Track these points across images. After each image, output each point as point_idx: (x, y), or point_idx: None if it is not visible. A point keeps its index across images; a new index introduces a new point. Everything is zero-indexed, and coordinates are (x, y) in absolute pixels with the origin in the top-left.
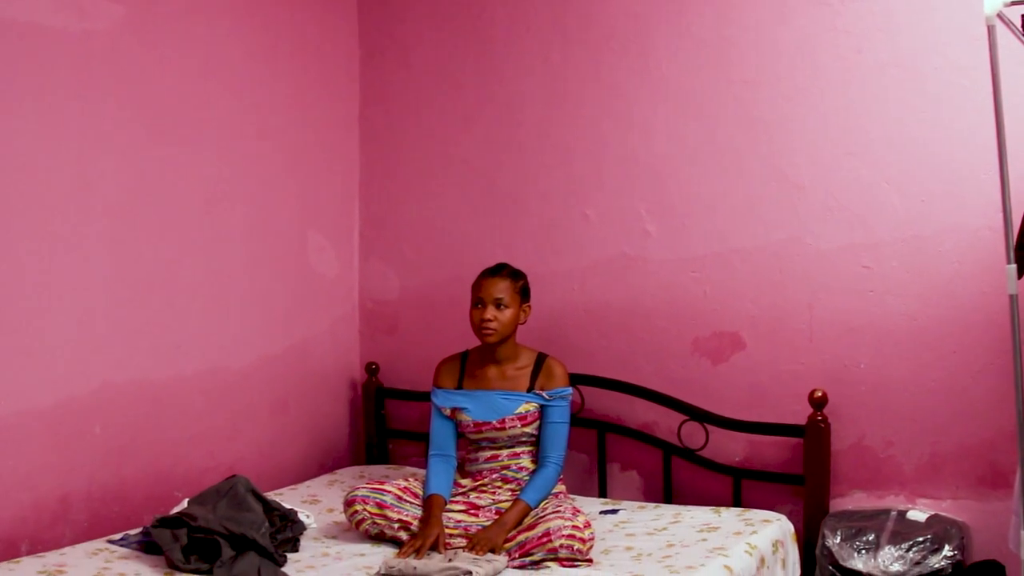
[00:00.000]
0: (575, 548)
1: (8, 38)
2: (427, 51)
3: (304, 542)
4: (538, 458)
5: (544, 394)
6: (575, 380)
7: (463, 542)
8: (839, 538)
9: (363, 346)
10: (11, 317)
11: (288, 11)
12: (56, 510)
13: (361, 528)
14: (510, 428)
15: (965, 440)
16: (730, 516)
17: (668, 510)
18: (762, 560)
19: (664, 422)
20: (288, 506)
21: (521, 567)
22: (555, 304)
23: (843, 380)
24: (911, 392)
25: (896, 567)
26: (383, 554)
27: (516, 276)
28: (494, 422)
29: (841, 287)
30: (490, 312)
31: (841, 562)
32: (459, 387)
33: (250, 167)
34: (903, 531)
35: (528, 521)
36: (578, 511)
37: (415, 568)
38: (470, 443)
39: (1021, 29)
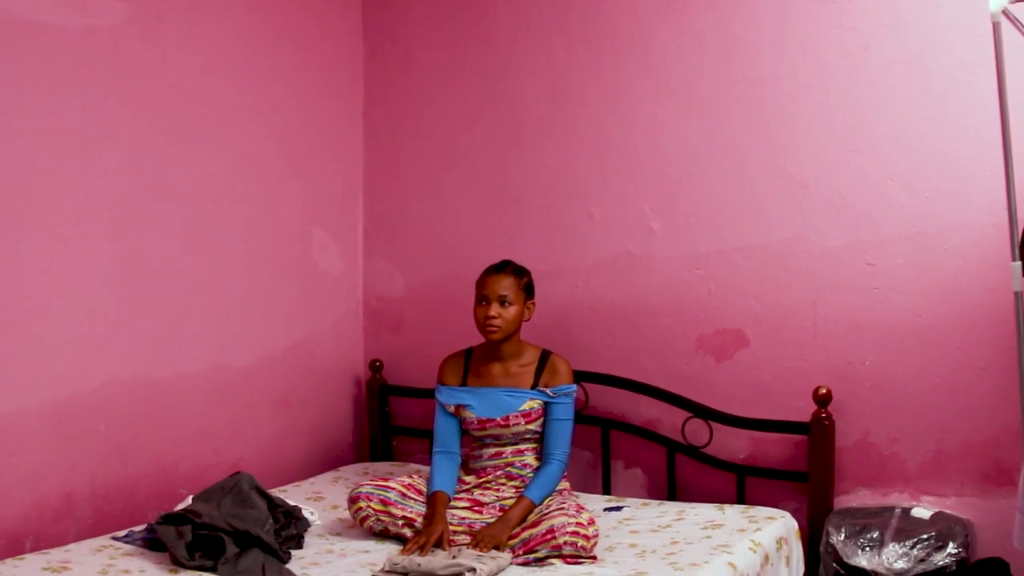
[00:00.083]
0: (579, 545)
1: (10, 35)
2: (430, 50)
3: (308, 539)
4: (542, 455)
5: (548, 391)
6: (579, 377)
7: (467, 539)
8: (843, 535)
9: (367, 343)
10: (14, 315)
11: (291, 9)
12: (60, 507)
13: (365, 525)
14: (514, 425)
15: (970, 437)
16: (734, 513)
17: (672, 507)
18: (766, 557)
19: (668, 419)
20: (292, 503)
21: (525, 564)
22: (559, 301)
23: (847, 377)
24: (916, 389)
25: (900, 564)
26: (387, 551)
27: (520, 273)
28: (498, 419)
29: (846, 284)
30: (494, 309)
31: (845, 559)
32: (463, 384)
33: (253, 165)
34: (907, 528)
35: (532, 518)
36: (582, 508)
37: (419, 565)
38: (474, 440)
39: None
